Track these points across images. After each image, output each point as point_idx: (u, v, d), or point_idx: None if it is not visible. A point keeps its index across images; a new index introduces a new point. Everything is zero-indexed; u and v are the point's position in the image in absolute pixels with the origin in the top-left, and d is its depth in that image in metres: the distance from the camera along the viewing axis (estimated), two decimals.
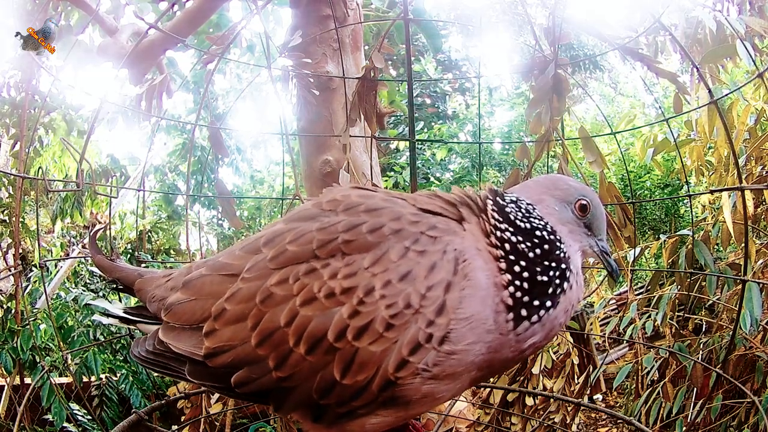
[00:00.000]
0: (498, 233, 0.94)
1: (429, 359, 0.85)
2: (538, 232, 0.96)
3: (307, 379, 0.88)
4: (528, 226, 0.96)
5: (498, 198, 1.01)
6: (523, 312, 0.90)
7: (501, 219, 0.96)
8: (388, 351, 0.84)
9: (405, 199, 1.00)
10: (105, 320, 1.14)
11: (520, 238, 0.94)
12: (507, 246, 0.93)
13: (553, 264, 0.94)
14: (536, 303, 0.91)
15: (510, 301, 0.89)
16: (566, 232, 1.00)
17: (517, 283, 0.91)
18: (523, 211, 0.99)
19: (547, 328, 0.93)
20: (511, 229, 0.95)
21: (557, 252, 0.95)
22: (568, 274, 0.95)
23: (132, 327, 1.15)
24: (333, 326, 0.85)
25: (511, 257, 0.92)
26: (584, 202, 1.03)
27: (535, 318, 0.91)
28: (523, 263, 0.92)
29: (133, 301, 1.39)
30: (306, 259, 0.91)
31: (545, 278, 0.92)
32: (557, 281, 0.94)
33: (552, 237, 0.96)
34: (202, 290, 0.99)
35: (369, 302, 0.85)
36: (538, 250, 0.94)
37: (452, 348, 0.85)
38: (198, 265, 1.07)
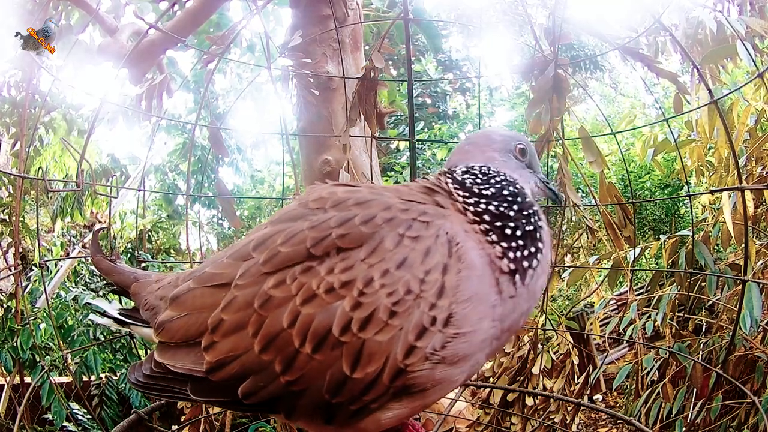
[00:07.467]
0: (472, 208, 0.96)
1: (436, 342, 0.85)
2: (505, 191, 1.00)
3: (316, 379, 0.86)
4: (493, 190, 0.99)
5: (455, 175, 1.03)
6: (525, 263, 0.93)
7: (467, 194, 0.99)
8: (395, 339, 0.84)
9: (389, 191, 1.00)
10: (100, 320, 1.13)
11: (496, 203, 0.97)
12: (487, 216, 0.95)
13: (530, 211, 0.99)
14: (533, 250, 0.95)
15: (512, 266, 0.92)
16: (518, 177, 1.06)
17: (513, 244, 0.93)
18: (480, 176, 1.02)
19: (544, 265, 0.98)
20: (483, 200, 0.98)
21: (527, 200, 1.01)
22: (538, 214, 1.00)
23: (126, 329, 1.14)
24: (337, 320, 0.84)
25: (497, 223, 0.95)
26: (522, 146, 1.09)
27: (535, 262, 0.95)
28: (511, 224, 0.95)
29: (132, 303, 1.39)
30: (301, 259, 0.89)
31: (531, 227, 0.97)
32: (539, 225, 0.99)
33: (516, 189, 1.01)
34: (193, 304, 0.96)
35: (369, 293, 0.84)
36: (516, 207, 0.98)
37: (457, 330, 0.86)
38: (184, 277, 1.04)
